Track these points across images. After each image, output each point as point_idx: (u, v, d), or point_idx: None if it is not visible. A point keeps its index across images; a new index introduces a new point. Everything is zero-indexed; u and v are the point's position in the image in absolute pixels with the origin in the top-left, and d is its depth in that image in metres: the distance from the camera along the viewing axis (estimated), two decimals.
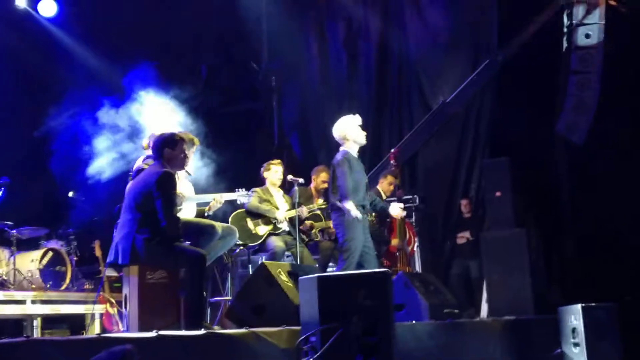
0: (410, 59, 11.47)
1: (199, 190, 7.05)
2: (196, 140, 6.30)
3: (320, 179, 8.58)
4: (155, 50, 10.73)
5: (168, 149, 5.74)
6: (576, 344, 6.40)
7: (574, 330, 6.43)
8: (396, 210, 7.42)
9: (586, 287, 9.26)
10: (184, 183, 6.60)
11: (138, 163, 6.64)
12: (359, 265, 6.94)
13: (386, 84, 11.68)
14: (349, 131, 7.12)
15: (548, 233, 9.58)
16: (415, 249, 9.84)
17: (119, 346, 3.56)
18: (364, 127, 7.37)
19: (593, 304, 6.61)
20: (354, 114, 7.32)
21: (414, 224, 10.07)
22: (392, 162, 8.73)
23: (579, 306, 6.42)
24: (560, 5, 10.18)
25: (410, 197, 10.22)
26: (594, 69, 9.73)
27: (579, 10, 9.88)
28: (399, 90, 11.56)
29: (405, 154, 11.00)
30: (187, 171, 6.28)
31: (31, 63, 10.59)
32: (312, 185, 8.65)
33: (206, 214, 6.91)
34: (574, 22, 9.91)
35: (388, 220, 9.07)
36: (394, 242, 9.14)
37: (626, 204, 9.46)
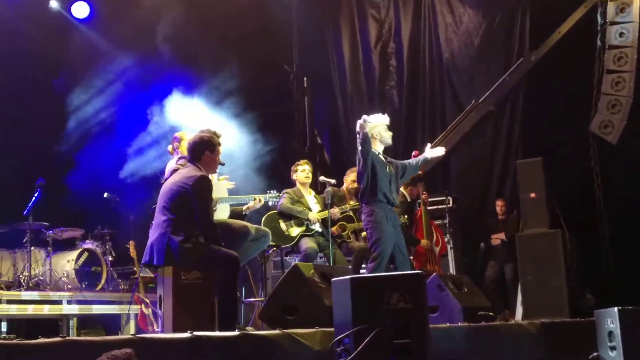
0: (442, 59, 11.44)
1: (231, 191, 7.08)
2: (219, 133, 6.25)
3: (350, 178, 8.59)
4: (186, 50, 10.79)
5: (208, 152, 5.77)
6: (613, 348, 6.29)
7: (610, 333, 6.33)
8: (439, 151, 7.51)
9: (622, 290, 9.16)
10: (217, 184, 6.63)
11: (171, 164, 6.67)
12: (394, 269, 6.93)
13: (418, 85, 11.67)
14: (375, 129, 7.09)
15: (583, 235, 9.46)
16: (448, 249, 9.82)
17: (119, 350, 3.55)
18: (395, 128, 7.36)
19: (630, 307, 6.50)
20: (385, 114, 7.31)
21: (447, 225, 10.03)
22: None
23: (615, 309, 6.32)
24: (593, 4, 10.07)
25: (444, 198, 10.18)
26: (629, 68, 9.61)
27: (613, 9, 9.76)
28: (431, 90, 11.54)
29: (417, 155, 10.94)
30: (220, 162, 6.27)
31: (65, 65, 10.71)
32: (344, 186, 8.65)
33: (244, 213, 6.95)
34: (607, 20, 9.79)
35: (414, 221, 9.07)
36: (423, 242, 9.13)
37: None
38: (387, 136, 7.19)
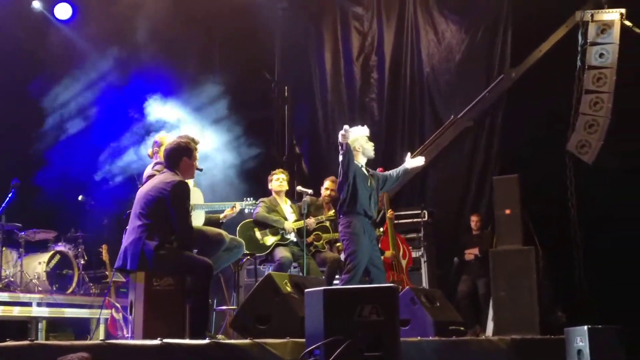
0: (423, 73, 11.50)
1: (206, 198, 7.06)
2: (196, 139, 6.25)
3: (324, 187, 8.60)
4: (166, 55, 10.76)
5: (186, 157, 5.74)
6: None
7: (579, 352, 6.38)
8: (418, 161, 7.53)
9: (593, 309, 9.22)
10: (194, 191, 6.60)
11: (148, 170, 6.64)
12: (369, 281, 6.93)
13: (398, 98, 11.70)
14: (357, 142, 7.09)
15: (556, 252, 9.53)
16: (422, 263, 9.84)
17: (74, 354, 3.50)
18: (375, 140, 7.36)
19: (600, 326, 6.56)
20: (365, 126, 7.32)
21: (421, 238, 10.06)
22: None
23: (585, 328, 6.38)
24: (574, 24, 10.17)
25: (419, 211, 10.21)
26: (607, 89, 9.71)
27: (594, 30, 9.87)
28: (411, 104, 11.58)
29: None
30: (198, 167, 6.27)
31: (45, 65, 10.62)
32: (322, 196, 8.66)
33: (220, 221, 6.93)
34: (588, 41, 9.90)
35: (381, 232, 9.09)
36: (387, 253, 9.14)
37: (636, 225, 9.42)
38: (369, 148, 7.20)
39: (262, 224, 8.00)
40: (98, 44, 10.80)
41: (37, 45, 10.74)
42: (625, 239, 9.42)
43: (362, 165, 7.13)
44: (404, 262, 9.30)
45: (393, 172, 7.53)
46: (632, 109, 9.62)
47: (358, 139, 7.10)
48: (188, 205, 5.66)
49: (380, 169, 7.79)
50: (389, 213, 9.34)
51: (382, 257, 9.03)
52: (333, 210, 8.34)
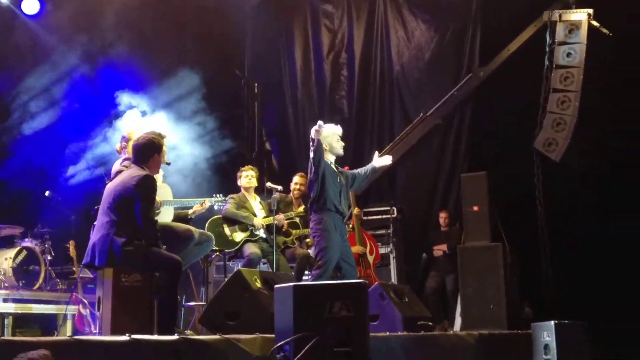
0: (392, 71, 11.54)
1: (175, 195, 7.02)
2: (163, 134, 6.22)
3: (293, 182, 8.61)
4: (136, 50, 10.68)
5: (157, 154, 5.72)
6: None
7: (546, 346, 6.45)
8: (386, 160, 7.52)
9: (560, 304, 9.33)
10: (162, 187, 6.57)
11: (116, 165, 6.59)
12: (340, 277, 6.95)
13: (368, 96, 11.74)
14: (326, 140, 7.08)
15: (524, 249, 9.63)
16: (391, 259, 9.88)
17: (35, 351, 3.46)
18: (344, 138, 7.37)
19: (566, 322, 6.65)
20: (336, 124, 7.33)
21: (390, 234, 10.10)
22: None
23: (552, 323, 6.45)
24: (542, 24, 10.27)
25: (388, 208, 10.25)
26: (574, 88, 9.82)
27: (562, 30, 9.97)
28: (381, 102, 11.62)
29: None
30: (165, 161, 6.25)
31: (12, 59, 10.50)
32: (291, 192, 8.65)
33: (189, 217, 6.91)
34: (556, 40, 10.00)
35: (351, 228, 9.11)
36: (354, 249, 9.17)
37: (602, 223, 9.55)
38: (338, 147, 7.18)
39: (231, 220, 7.98)
40: (66, 38, 10.68)
41: (3, 40, 10.60)
42: (591, 236, 9.55)
43: (331, 162, 7.14)
44: (370, 258, 9.33)
45: (361, 170, 7.55)
46: (598, 107, 9.74)
47: (328, 136, 7.10)
48: (153, 198, 5.63)
49: (347, 167, 7.81)
50: (356, 210, 9.36)
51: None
52: (303, 207, 8.34)
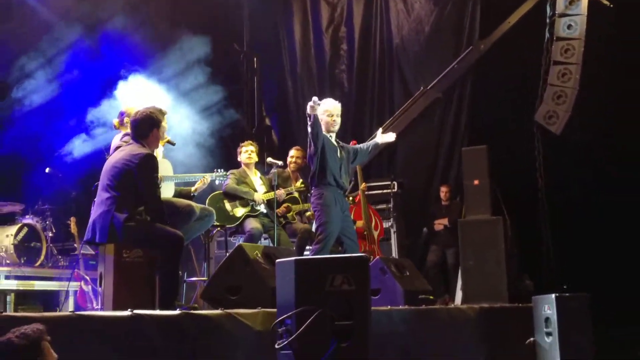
0: (392, 45, 11.50)
1: (176, 170, 7.01)
2: (164, 110, 6.21)
3: (289, 156, 8.56)
4: (133, 25, 10.61)
5: (156, 129, 5.69)
6: (549, 334, 6.44)
7: (547, 319, 6.47)
8: (389, 137, 7.45)
9: (560, 277, 9.36)
10: (163, 162, 6.56)
11: (115, 141, 6.56)
12: (342, 251, 6.95)
13: (368, 70, 11.71)
14: (320, 114, 7.04)
15: (524, 222, 9.64)
16: (392, 233, 9.89)
17: (28, 326, 3.44)
18: (344, 112, 7.32)
19: (567, 294, 6.66)
20: (335, 98, 7.27)
21: (391, 209, 10.11)
22: None
23: (552, 296, 6.46)
24: None
25: (389, 182, 10.25)
26: (575, 60, 9.77)
27: (562, 1, 9.90)
28: (381, 75, 11.59)
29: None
30: (170, 141, 6.25)
31: (11, 33, 10.42)
32: (288, 166, 8.61)
33: (192, 194, 6.90)
34: (556, 12, 9.93)
35: (352, 202, 9.10)
36: (359, 223, 9.17)
37: (602, 195, 9.55)
38: (329, 123, 7.05)
39: (232, 196, 7.98)
40: (65, 11, 10.59)
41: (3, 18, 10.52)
42: (591, 208, 9.56)
43: (331, 137, 7.10)
44: (375, 233, 9.34)
45: (364, 145, 7.51)
46: (599, 80, 9.70)
47: (321, 112, 7.03)
48: (156, 177, 5.62)
49: (354, 141, 7.77)
50: (362, 185, 9.35)
51: (356, 227, 9.07)
52: (301, 181, 8.34)
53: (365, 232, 9.22)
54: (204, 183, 7.01)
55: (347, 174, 7.22)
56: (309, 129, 6.85)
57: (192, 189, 6.99)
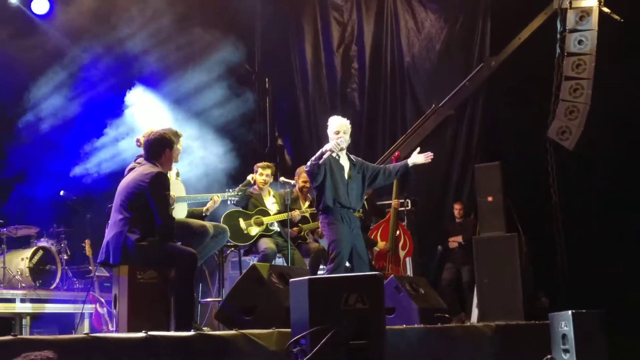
0: (403, 63, 11.53)
1: (190, 190, 7.03)
2: (179, 132, 6.27)
3: (301, 179, 8.52)
4: (145, 46, 10.68)
5: (169, 150, 5.74)
6: (566, 350, 6.40)
7: (564, 336, 6.43)
8: (420, 158, 7.26)
9: (576, 294, 9.29)
10: (176, 183, 6.58)
11: (133, 162, 6.59)
12: (351, 269, 6.93)
13: (379, 88, 11.73)
14: (328, 132, 7.05)
15: (538, 238, 9.59)
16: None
17: (39, 352, 3.42)
18: (356, 130, 7.29)
19: (583, 311, 6.61)
20: (347, 118, 7.24)
21: (405, 227, 10.07)
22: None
23: (569, 312, 6.42)
24: (553, 11, 10.21)
25: (402, 200, 10.22)
26: (587, 75, 9.76)
27: (572, 17, 9.91)
28: (392, 93, 11.61)
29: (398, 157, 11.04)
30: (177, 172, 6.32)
31: (22, 58, 10.50)
32: (296, 187, 8.58)
33: (204, 214, 6.90)
34: (567, 28, 9.93)
35: (369, 224, 9.05)
36: (381, 244, 9.09)
37: (616, 210, 9.49)
38: (333, 141, 6.97)
39: (246, 214, 7.99)
40: (76, 37, 10.68)
41: (14, 40, 10.62)
42: (606, 224, 9.50)
43: (338, 156, 7.04)
44: (402, 253, 9.27)
45: (390, 166, 7.38)
46: (611, 94, 9.67)
47: (328, 129, 7.05)
48: (168, 196, 5.64)
49: (397, 153, 7.64)
50: (395, 202, 9.28)
51: (377, 249, 9.02)
52: (308, 203, 8.33)
53: (389, 253, 9.15)
54: (215, 203, 7.00)
55: (358, 192, 7.13)
56: (310, 167, 6.84)
57: (204, 209, 7.00)
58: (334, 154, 6.96)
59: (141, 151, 6.49)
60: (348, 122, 7.09)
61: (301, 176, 8.45)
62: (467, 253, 9.48)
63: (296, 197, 8.49)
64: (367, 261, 7.15)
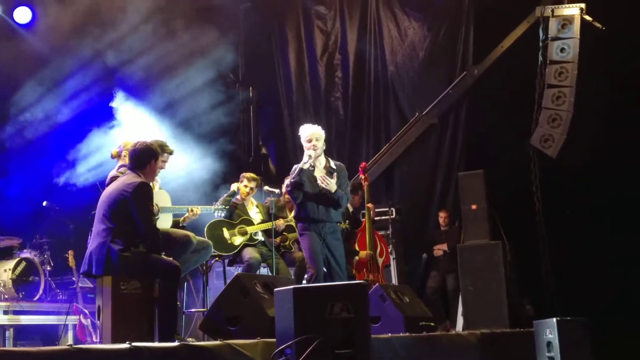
0: (387, 71, 11.55)
1: (174, 201, 7.00)
2: (168, 147, 6.28)
3: (284, 186, 8.51)
4: (130, 56, 10.64)
5: (154, 161, 5.72)
6: (551, 358, 6.41)
7: (549, 344, 6.44)
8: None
9: (561, 301, 9.32)
10: (160, 193, 6.55)
11: (112, 172, 6.57)
12: (329, 279, 6.93)
13: (363, 96, 11.74)
14: (302, 142, 7.08)
15: (523, 246, 9.62)
16: (391, 260, 9.84)
17: None
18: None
19: (568, 318, 6.63)
20: (331, 126, 7.29)
21: (389, 235, 10.08)
22: (360, 175, 8.77)
23: (554, 320, 6.44)
24: (535, 20, 10.27)
25: (387, 209, 10.24)
26: (569, 83, 9.81)
27: (555, 25, 9.96)
28: (376, 102, 11.62)
29: (381, 165, 11.06)
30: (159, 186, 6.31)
31: (5, 67, 10.43)
32: (283, 195, 8.57)
33: (181, 225, 6.87)
34: (549, 36, 9.99)
35: (354, 231, 9.04)
36: (362, 254, 9.08)
37: (600, 217, 9.53)
38: (308, 149, 6.99)
39: (230, 224, 7.97)
40: (59, 45, 10.63)
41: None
42: (590, 231, 9.53)
43: (312, 166, 7.04)
44: (380, 260, 9.28)
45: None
46: (593, 102, 9.72)
47: (301, 138, 7.09)
48: (151, 206, 5.62)
49: (363, 163, 7.68)
50: (369, 206, 9.29)
51: (358, 258, 9.01)
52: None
53: (369, 262, 9.15)
54: (194, 214, 6.92)
55: (330, 203, 7.03)
56: (290, 187, 6.90)
57: (181, 219, 6.94)
58: (308, 166, 6.96)
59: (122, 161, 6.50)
60: (319, 128, 7.09)
61: (285, 183, 8.46)
62: (452, 261, 9.49)
63: (282, 205, 8.49)
64: (344, 270, 7.13)
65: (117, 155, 6.81)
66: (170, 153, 6.45)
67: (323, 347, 4.20)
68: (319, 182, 7.00)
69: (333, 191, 7.00)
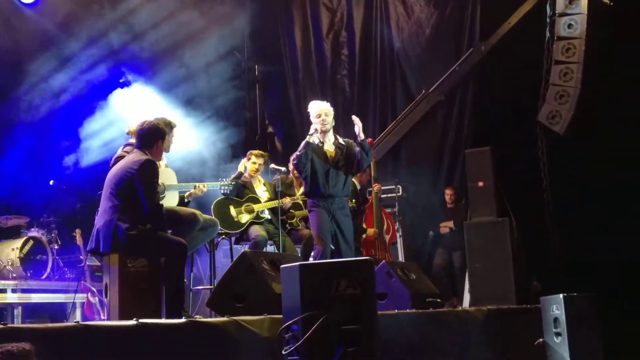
0: (393, 48, 11.49)
1: (180, 179, 6.99)
2: (173, 123, 6.25)
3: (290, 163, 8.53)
4: (135, 35, 10.61)
5: (161, 141, 5.73)
6: (558, 334, 6.41)
7: (555, 319, 6.44)
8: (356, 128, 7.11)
9: (568, 277, 9.31)
10: (166, 171, 6.55)
11: (118, 151, 6.56)
12: (337, 255, 6.95)
13: (369, 74, 11.70)
14: (311, 119, 7.11)
15: (530, 222, 9.60)
16: (398, 237, 9.86)
17: (15, 344, 3.35)
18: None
19: (575, 294, 6.63)
20: (337, 104, 7.29)
21: (396, 213, 10.08)
22: None
23: (560, 296, 6.43)
24: None
25: (393, 186, 10.23)
26: (576, 59, 9.74)
27: (562, 1, 9.88)
28: (382, 79, 11.58)
29: (388, 143, 11.03)
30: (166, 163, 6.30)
31: (12, 47, 10.40)
32: (291, 173, 8.58)
33: (186, 200, 6.86)
34: (556, 12, 9.91)
35: (362, 209, 9.05)
36: (370, 231, 9.08)
37: (608, 194, 9.50)
38: (316, 123, 7.04)
39: (237, 202, 7.97)
40: (64, 25, 10.60)
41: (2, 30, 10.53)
42: (598, 207, 9.50)
43: (321, 142, 7.09)
44: (387, 237, 9.30)
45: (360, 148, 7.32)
46: (601, 78, 9.66)
47: (310, 114, 7.13)
48: (156, 183, 5.61)
49: (370, 139, 7.67)
50: (376, 187, 9.28)
51: (365, 235, 9.02)
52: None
53: (376, 240, 9.16)
54: (200, 190, 6.88)
55: (343, 178, 7.11)
56: (295, 159, 6.91)
57: (186, 194, 6.91)
58: (317, 141, 6.98)
59: (128, 139, 6.48)
60: (328, 104, 7.18)
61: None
62: (459, 238, 9.50)
63: (291, 182, 8.50)
64: (353, 246, 7.17)
65: (134, 133, 6.77)
66: (174, 127, 6.38)
67: (329, 323, 4.21)
68: (354, 121, 7.12)
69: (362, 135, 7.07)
